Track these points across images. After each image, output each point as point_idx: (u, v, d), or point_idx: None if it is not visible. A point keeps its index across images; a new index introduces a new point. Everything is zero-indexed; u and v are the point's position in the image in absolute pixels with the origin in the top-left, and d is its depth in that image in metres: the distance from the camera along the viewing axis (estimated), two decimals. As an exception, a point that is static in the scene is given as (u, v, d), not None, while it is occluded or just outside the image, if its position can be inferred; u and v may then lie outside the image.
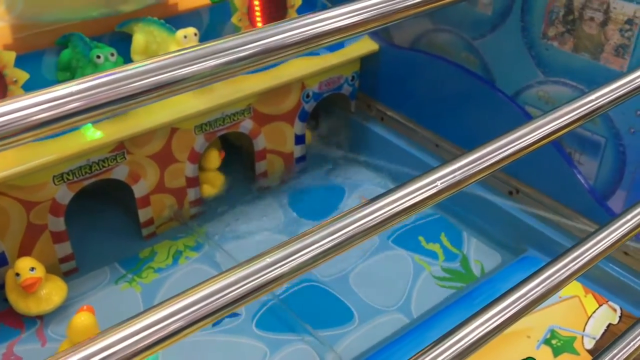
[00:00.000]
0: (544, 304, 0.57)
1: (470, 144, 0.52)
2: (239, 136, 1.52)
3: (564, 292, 1.23)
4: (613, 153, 1.23)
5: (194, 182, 1.46)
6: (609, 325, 1.17)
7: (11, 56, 1.16)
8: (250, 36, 0.43)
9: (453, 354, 0.47)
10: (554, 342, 1.13)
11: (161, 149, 1.36)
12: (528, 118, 1.16)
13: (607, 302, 1.21)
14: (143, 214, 1.41)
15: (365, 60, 1.63)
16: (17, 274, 1.18)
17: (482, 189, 1.43)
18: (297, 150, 1.63)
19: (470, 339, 0.48)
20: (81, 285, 1.33)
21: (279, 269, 0.42)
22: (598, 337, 1.15)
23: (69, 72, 1.30)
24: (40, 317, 1.24)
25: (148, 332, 0.37)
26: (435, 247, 1.44)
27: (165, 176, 1.40)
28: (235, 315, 1.26)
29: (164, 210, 1.44)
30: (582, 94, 0.59)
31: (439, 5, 0.52)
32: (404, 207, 0.46)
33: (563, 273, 0.54)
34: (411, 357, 0.47)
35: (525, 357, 1.11)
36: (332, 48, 1.54)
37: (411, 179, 0.48)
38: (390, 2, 0.49)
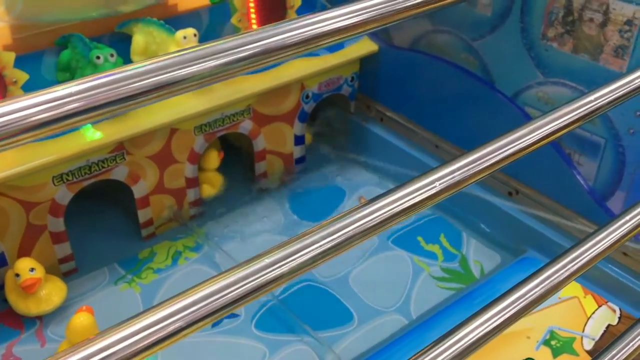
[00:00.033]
0: (544, 305, 0.57)
1: (469, 145, 0.52)
2: (238, 137, 1.52)
3: (563, 292, 1.23)
4: (612, 154, 1.23)
5: (193, 182, 1.46)
6: (609, 326, 1.17)
7: (11, 57, 1.16)
8: (250, 37, 0.43)
9: (452, 354, 0.47)
10: (553, 342, 1.14)
11: (161, 150, 1.36)
12: (527, 119, 1.16)
13: (606, 303, 1.21)
14: (142, 215, 1.41)
15: (365, 61, 1.63)
16: (17, 275, 1.18)
17: (482, 189, 1.43)
18: (297, 151, 1.63)
19: (470, 339, 0.48)
20: (81, 285, 1.33)
21: (278, 269, 0.42)
22: (597, 338, 1.15)
23: (69, 73, 1.30)
24: (40, 318, 1.24)
25: (147, 332, 0.37)
26: (434, 248, 1.44)
27: (165, 177, 1.40)
28: (234, 316, 1.26)
29: (163, 211, 1.44)
30: (582, 94, 0.59)
31: (438, 6, 0.52)
32: (403, 207, 0.46)
33: (562, 274, 0.54)
34: (410, 358, 0.47)
35: (524, 357, 1.11)
36: (332, 49, 1.54)
37: (410, 180, 0.48)
38: (390, 3, 0.49)
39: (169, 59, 0.40)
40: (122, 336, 0.37)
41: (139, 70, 0.39)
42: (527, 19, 1.29)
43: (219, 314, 0.40)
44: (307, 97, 1.57)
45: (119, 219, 1.48)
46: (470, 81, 1.42)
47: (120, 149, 1.29)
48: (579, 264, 0.55)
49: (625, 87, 0.60)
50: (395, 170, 1.59)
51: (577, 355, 1.12)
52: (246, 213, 1.52)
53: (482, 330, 0.49)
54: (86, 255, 1.37)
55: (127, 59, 1.35)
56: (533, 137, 0.53)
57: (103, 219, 1.48)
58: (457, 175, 0.49)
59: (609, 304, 1.21)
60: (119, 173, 1.32)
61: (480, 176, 0.51)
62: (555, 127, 0.55)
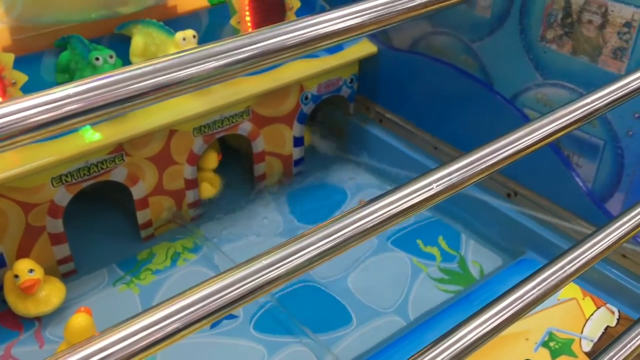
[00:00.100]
0: (542, 306, 0.57)
1: (468, 147, 0.52)
2: (237, 138, 1.52)
3: (562, 294, 1.23)
4: (611, 155, 1.23)
5: (192, 184, 1.46)
6: (607, 327, 1.17)
7: (10, 58, 1.16)
8: (249, 38, 0.43)
9: (450, 355, 0.47)
10: (551, 344, 1.14)
11: (160, 151, 1.36)
12: (526, 120, 1.16)
13: (605, 304, 1.21)
14: (141, 216, 1.41)
15: (364, 63, 1.63)
16: (16, 276, 1.18)
17: (480, 191, 1.43)
18: (296, 153, 1.63)
19: (468, 341, 0.48)
20: (79, 286, 1.33)
21: (276, 270, 0.42)
22: (596, 339, 1.15)
23: (68, 74, 1.30)
24: (39, 319, 1.24)
25: (146, 333, 0.37)
26: (433, 249, 1.44)
27: (164, 178, 1.40)
28: (233, 317, 1.26)
29: (162, 212, 1.44)
30: (580, 96, 0.59)
31: (437, 8, 0.52)
32: (401, 209, 0.46)
33: (561, 275, 0.54)
34: (409, 358, 0.47)
35: (523, 359, 1.11)
36: (331, 50, 1.54)
37: (408, 181, 0.48)
38: (389, 5, 0.49)
39: (168, 60, 0.40)
40: (121, 337, 0.37)
41: (138, 72, 0.39)
42: (526, 21, 1.29)
43: (217, 315, 0.40)
44: (307, 98, 1.57)
45: (117, 220, 1.48)
46: (469, 83, 1.42)
47: (119, 150, 1.29)
48: (578, 266, 0.55)
49: (624, 88, 0.60)
50: (394, 171, 1.59)
51: (576, 356, 1.12)
52: (245, 214, 1.52)
53: (481, 332, 0.49)
54: (85, 257, 1.37)
55: (126, 61, 1.35)
56: (532, 138, 0.53)
57: (102, 220, 1.48)
58: (455, 177, 0.49)
59: (608, 305, 1.21)
60: (118, 174, 1.32)
61: (479, 177, 0.51)
62: (554, 129, 0.55)
